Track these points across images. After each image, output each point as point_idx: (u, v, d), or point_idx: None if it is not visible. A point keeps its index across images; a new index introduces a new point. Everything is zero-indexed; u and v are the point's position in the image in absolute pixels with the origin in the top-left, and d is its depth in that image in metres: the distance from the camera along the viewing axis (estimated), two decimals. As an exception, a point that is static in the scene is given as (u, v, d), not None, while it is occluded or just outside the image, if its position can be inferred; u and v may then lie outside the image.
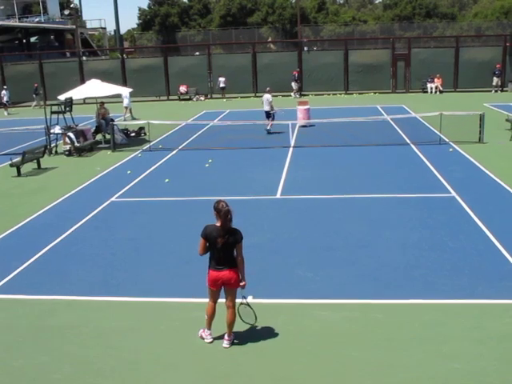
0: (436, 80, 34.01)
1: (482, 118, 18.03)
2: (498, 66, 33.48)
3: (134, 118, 26.37)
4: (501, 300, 7.56)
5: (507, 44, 34.48)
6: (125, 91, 25.39)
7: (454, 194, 12.55)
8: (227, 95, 35.71)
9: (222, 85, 35.37)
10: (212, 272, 6.50)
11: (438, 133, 18.75)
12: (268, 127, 21.42)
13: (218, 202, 6.43)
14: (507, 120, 20.13)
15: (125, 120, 25.50)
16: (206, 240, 6.45)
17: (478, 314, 7.27)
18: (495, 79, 33.49)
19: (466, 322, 7.06)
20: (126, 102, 27.28)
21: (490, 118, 20.07)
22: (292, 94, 34.96)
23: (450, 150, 17.33)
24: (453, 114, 19.32)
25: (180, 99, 35.72)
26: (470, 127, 18.43)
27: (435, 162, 15.54)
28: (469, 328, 6.89)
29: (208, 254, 6.57)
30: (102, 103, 22.08)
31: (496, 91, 33.40)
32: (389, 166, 15.64)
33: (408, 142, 18.78)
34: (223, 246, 6.37)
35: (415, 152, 17.16)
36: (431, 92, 34.16)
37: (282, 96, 34.09)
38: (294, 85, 35.00)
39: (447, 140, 18.46)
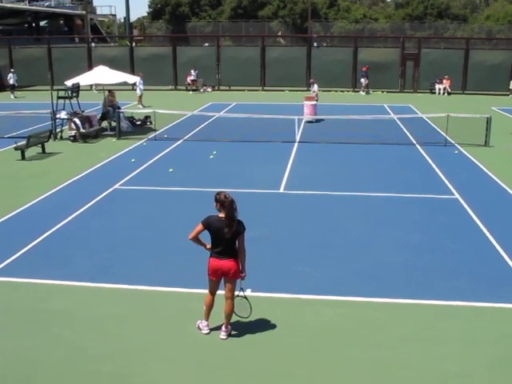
0: (444, 81, 33.86)
1: (488, 121, 17.97)
2: None
3: (144, 106, 26.40)
4: (498, 304, 7.55)
5: (518, 48, 34.31)
6: (137, 79, 25.29)
7: (457, 195, 12.53)
8: (233, 87, 35.77)
9: (192, 77, 35.19)
10: (212, 260, 6.51)
11: (444, 134, 18.70)
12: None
13: (219, 193, 6.42)
14: (514, 124, 20.07)
15: (140, 108, 25.51)
16: (204, 228, 6.47)
17: (475, 316, 7.26)
18: None
19: (462, 324, 7.06)
20: (138, 90, 27.26)
21: (497, 121, 19.99)
22: (361, 91, 34.51)
23: (456, 151, 17.29)
24: (460, 116, 19.26)
25: (187, 89, 35.66)
26: (476, 130, 18.37)
27: (440, 163, 15.51)
28: (464, 330, 6.89)
29: (195, 245, 6.67)
30: (111, 91, 22.06)
31: None
32: (393, 165, 15.61)
33: (413, 142, 18.73)
34: (225, 237, 6.36)
35: (420, 152, 17.13)
36: (439, 93, 34.03)
37: (290, 91, 34.02)
38: (363, 81, 34.41)
39: (453, 142, 18.40)
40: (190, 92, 34.98)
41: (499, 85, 33.48)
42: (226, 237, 6.35)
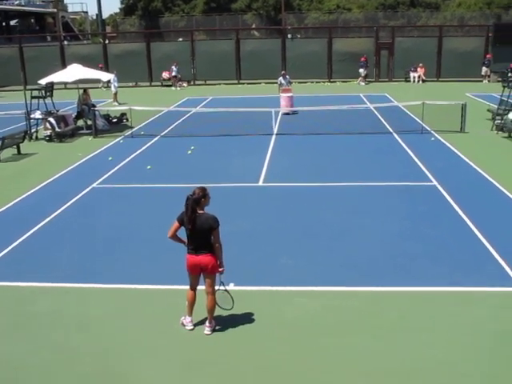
0: (419, 69, 34.10)
1: (463, 107, 18.15)
2: (487, 56, 33.70)
3: (119, 103, 26.22)
4: (479, 288, 7.65)
5: (489, 34, 34.66)
6: (110, 76, 25.09)
7: (435, 182, 12.65)
8: (208, 81, 35.65)
9: (174, 73, 34.53)
10: (189, 257, 6.54)
11: (421, 122, 18.84)
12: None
13: (195, 189, 6.45)
14: (488, 110, 20.29)
15: (116, 105, 25.33)
16: (180, 225, 6.51)
17: (456, 301, 7.35)
18: (484, 69, 33.71)
19: (444, 309, 7.13)
20: (113, 87, 27.12)
21: (472, 107, 20.20)
22: (358, 81, 34.08)
23: (432, 139, 17.44)
24: (435, 104, 19.42)
25: (162, 85, 35.41)
26: (451, 117, 18.53)
27: (417, 151, 15.63)
28: (446, 316, 6.96)
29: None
30: (85, 90, 21.85)
31: (488, 81, 33.49)
32: (371, 154, 15.69)
33: (390, 130, 18.85)
34: (192, 232, 6.41)
35: (397, 140, 17.25)
36: (414, 81, 34.28)
37: (266, 83, 33.98)
38: (362, 71, 33.95)
39: (429, 129, 18.56)
40: (177, 88, 34.43)
41: (473, 71, 33.85)
42: (187, 232, 6.45)
